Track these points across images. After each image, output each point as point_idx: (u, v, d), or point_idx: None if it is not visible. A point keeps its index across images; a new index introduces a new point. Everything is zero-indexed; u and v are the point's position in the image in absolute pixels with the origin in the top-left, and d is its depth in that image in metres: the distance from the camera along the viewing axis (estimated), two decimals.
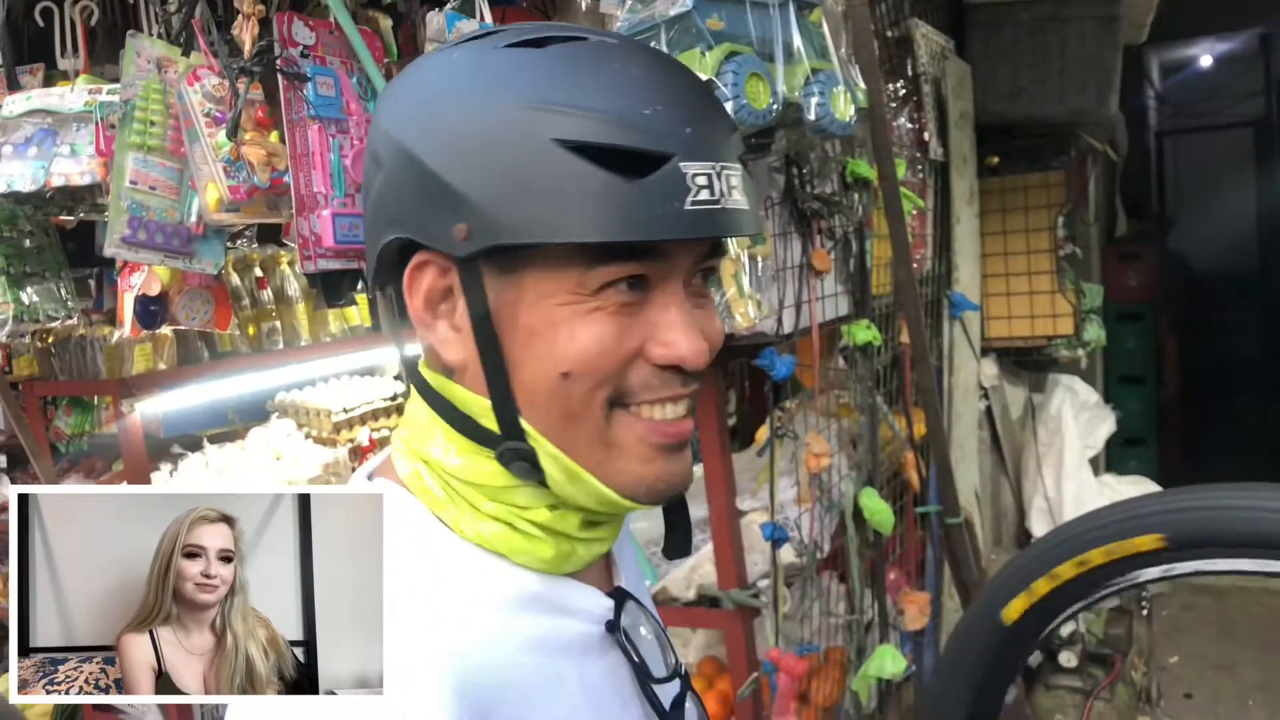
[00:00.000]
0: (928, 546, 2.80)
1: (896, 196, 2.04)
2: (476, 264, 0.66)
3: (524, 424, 0.68)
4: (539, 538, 0.71)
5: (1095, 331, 3.92)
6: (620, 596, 0.76)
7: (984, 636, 0.95)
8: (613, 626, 0.74)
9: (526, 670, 0.67)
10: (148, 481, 2.68)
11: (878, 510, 2.13)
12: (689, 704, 0.79)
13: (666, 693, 0.77)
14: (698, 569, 2.08)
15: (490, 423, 0.69)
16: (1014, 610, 0.92)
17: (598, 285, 0.65)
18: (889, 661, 2.03)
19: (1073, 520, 1.07)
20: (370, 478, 0.76)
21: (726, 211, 0.65)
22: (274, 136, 1.64)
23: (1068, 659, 3.02)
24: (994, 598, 0.95)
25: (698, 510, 2.25)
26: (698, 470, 2.34)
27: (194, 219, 1.67)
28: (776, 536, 1.90)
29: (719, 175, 0.65)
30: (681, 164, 0.64)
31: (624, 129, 0.63)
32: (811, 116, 1.61)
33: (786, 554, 2.04)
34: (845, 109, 1.66)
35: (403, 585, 0.65)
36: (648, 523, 2.29)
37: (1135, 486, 3.97)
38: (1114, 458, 5.26)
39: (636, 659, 0.74)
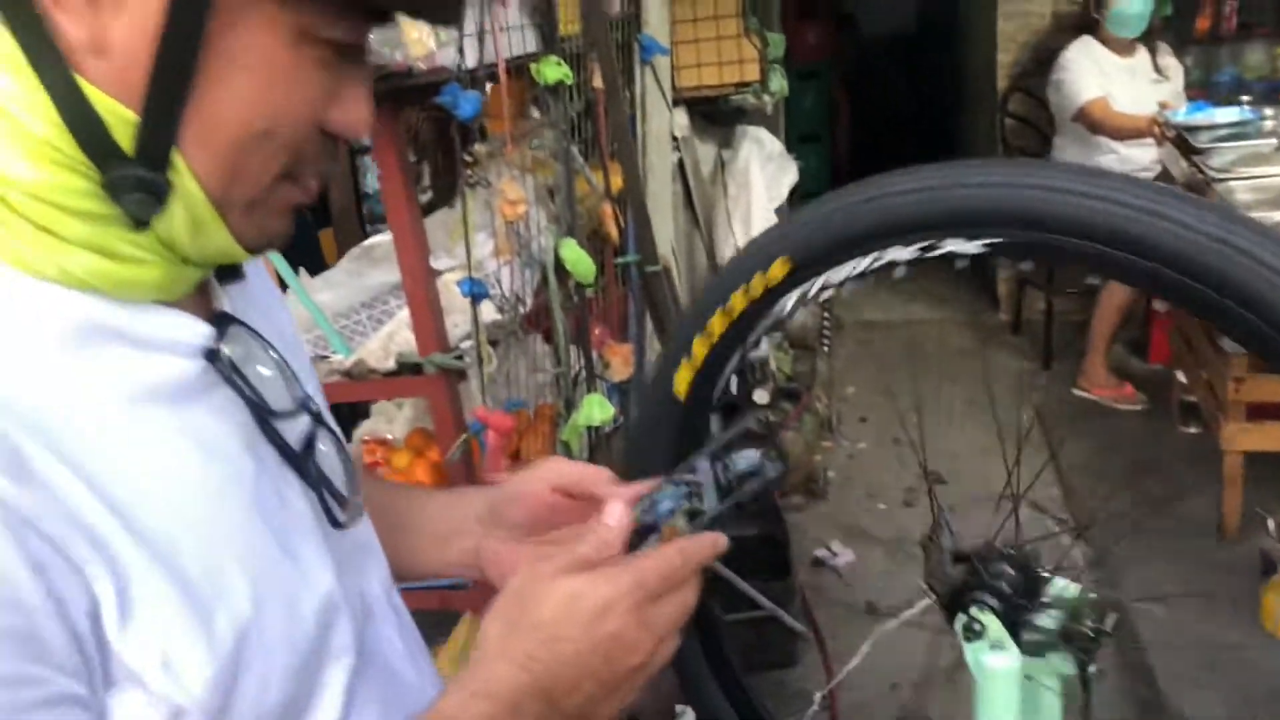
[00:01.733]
0: (629, 300, 2.80)
1: None
2: None
3: (176, 157, 0.53)
4: (146, 260, 0.56)
5: (779, 82, 3.98)
6: (224, 322, 0.62)
7: (665, 416, 0.88)
8: (213, 355, 0.60)
9: (91, 415, 0.53)
10: None
11: (578, 260, 2.06)
12: (325, 445, 0.67)
13: (294, 432, 0.65)
14: (395, 336, 1.94)
15: (124, 139, 0.52)
16: (682, 382, 0.84)
17: (330, 36, 0.55)
18: (597, 409, 2.02)
19: (714, 274, 1.00)
20: None
21: None
22: None
23: (761, 396, 3.20)
24: (663, 373, 0.87)
25: (390, 275, 2.09)
26: (387, 237, 2.16)
27: None
28: (475, 292, 1.78)
29: None
30: None
31: None
32: None
33: (489, 312, 1.94)
34: None
35: None
36: (332, 294, 2.10)
37: None
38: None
39: (248, 393, 0.61)
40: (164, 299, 0.58)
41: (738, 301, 0.80)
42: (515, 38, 1.95)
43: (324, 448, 0.66)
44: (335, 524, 0.65)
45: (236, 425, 0.61)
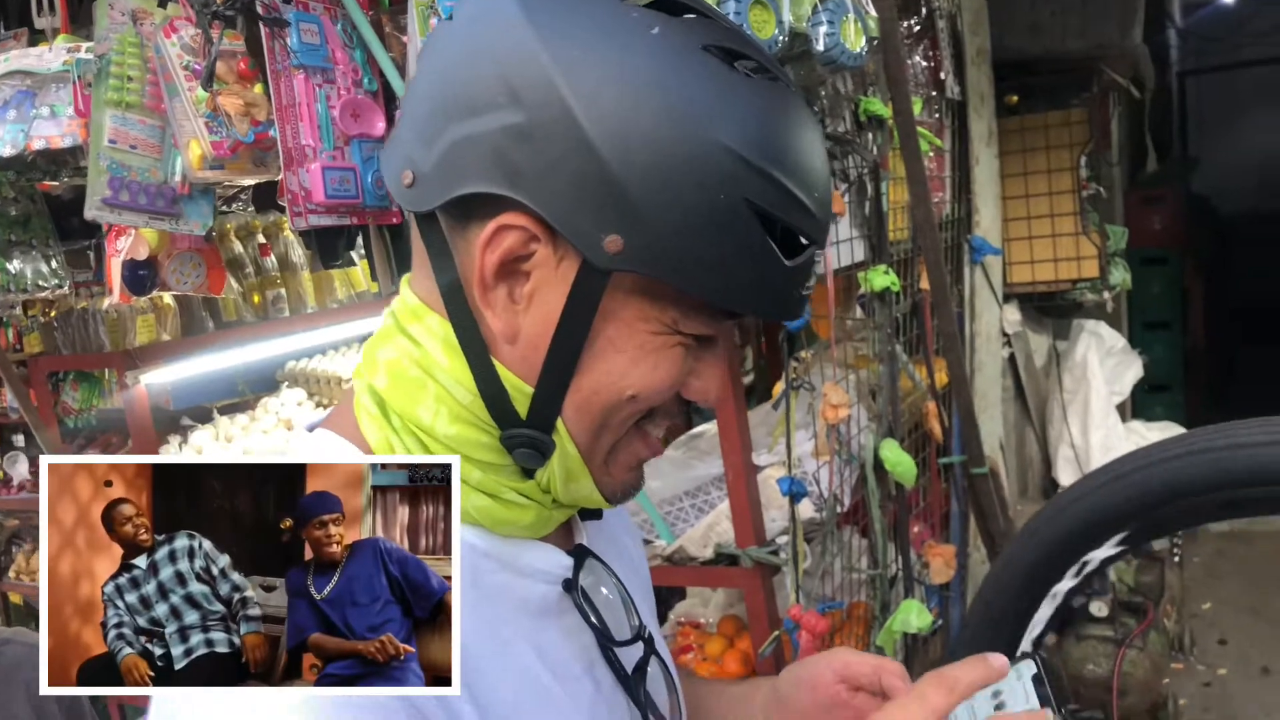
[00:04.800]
0: (952, 498, 2.73)
1: (913, 130, 1.95)
2: (607, 272, 0.61)
3: (559, 421, 0.65)
4: (523, 505, 0.68)
5: (1121, 274, 3.82)
6: (581, 555, 0.72)
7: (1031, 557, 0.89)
8: (570, 585, 0.69)
9: (474, 631, 0.63)
10: (155, 454, 2.65)
11: (899, 462, 2.06)
12: (654, 668, 0.74)
13: (629, 656, 0.72)
14: (715, 527, 2.02)
15: (521, 407, 0.65)
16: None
17: (691, 331, 0.64)
18: (914, 616, 1.97)
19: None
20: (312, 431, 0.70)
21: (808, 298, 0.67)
22: (257, 89, 1.57)
23: (1099, 608, 2.95)
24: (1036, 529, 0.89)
25: (714, 467, 2.19)
26: (712, 427, 2.28)
27: (178, 178, 1.60)
28: (795, 491, 1.84)
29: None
30: (816, 253, 0.65)
31: (804, 212, 0.62)
32: (820, 47, 1.52)
33: (806, 509, 1.98)
34: (856, 39, 1.58)
35: None
36: (660, 483, 2.23)
37: (1164, 434, 3.88)
38: (1140, 404, 5.16)
39: (595, 620, 0.70)
40: (535, 536, 0.70)
41: None
42: (845, 249, 2.05)
43: (653, 671, 0.73)
44: None
45: (581, 647, 0.70)
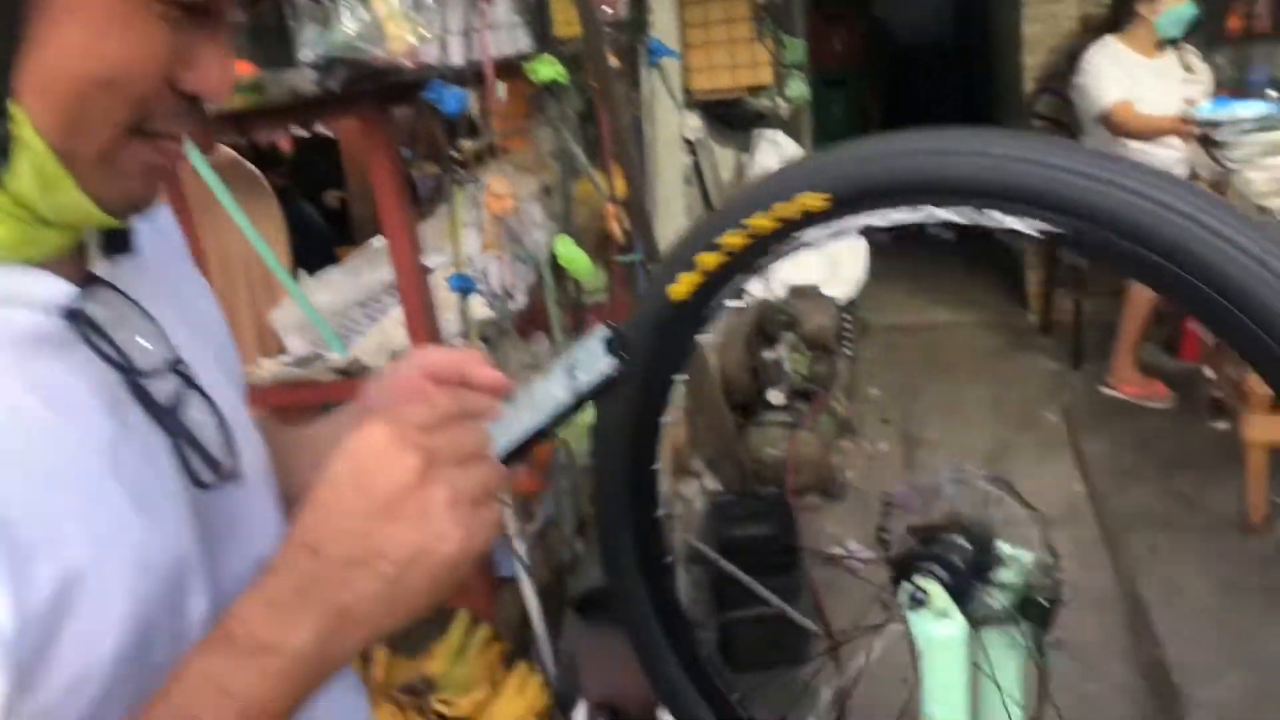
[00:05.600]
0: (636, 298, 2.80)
1: None
2: None
3: (14, 108, 0.53)
4: None
5: (798, 87, 3.98)
6: (93, 283, 0.62)
7: (656, 316, 0.88)
8: (74, 315, 0.59)
9: None
10: None
11: (574, 258, 2.07)
12: (200, 411, 0.66)
13: (162, 391, 0.64)
14: (388, 335, 1.96)
15: None
16: (682, 288, 0.85)
17: None
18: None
19: (736, 193, 0.98)
20: None
21: None
22: None
23: (776, 397, 3.18)
24: (662, 277, 0.87)
25: (385, 274, 2.11)
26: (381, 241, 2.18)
27: None
28: (462, 287, 1.80)
29: None
30: None
31: None
32: None
33: (481, 309, 1.96)
34: None
35: None
36: (329, 295, 2.13)
37: None
38: None
39: (109, 352, 0.61)
40: (22, 259, 0.58)
41: (761, 223, 0.79)
42: (506, 36, 1.97)
43: (200, 416, 0.66)
44: (199, 483, 0.64)
45: (97, 384, 0.61)
